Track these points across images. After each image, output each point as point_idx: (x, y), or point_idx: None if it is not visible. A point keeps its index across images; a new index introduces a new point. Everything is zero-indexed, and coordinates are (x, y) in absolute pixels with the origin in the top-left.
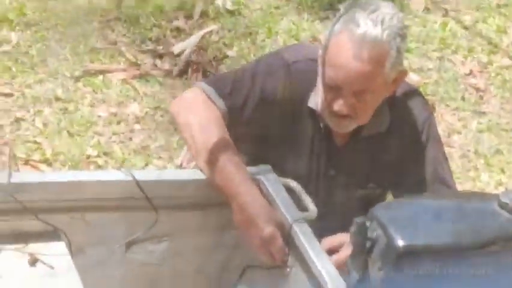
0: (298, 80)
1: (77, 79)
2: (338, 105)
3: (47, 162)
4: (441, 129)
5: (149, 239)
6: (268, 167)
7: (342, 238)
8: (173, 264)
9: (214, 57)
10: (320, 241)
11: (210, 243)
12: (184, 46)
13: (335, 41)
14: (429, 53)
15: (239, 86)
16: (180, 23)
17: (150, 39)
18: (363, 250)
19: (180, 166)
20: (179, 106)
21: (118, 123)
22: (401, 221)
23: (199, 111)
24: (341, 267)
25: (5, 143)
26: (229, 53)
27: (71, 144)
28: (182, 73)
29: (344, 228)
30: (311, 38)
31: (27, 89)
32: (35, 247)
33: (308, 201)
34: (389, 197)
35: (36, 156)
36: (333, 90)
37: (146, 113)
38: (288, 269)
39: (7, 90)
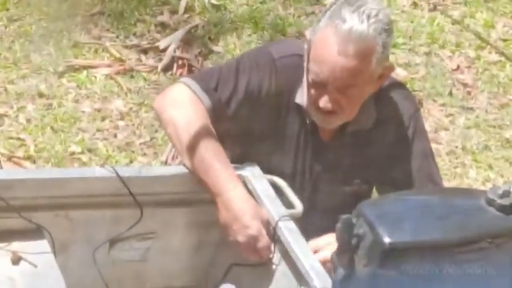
0: (284, 75)
1: (60, 75)
2: (324, 101)
3: (30, 159)
4: (428, 125)
5: (134, 236)
6: (254, 164)
7: (328, 239)
8: (158, 262)
9: (199, 53)
10: (306, 238)
11: (195, 240)
12: (169, 41)
13: (320, 36)
14: (416, 48)
15: (224, 81)
16: (165, 18)
17: (135, 34)
18: (349, 247)
19: (165, 163)
20: (163, 102)
21: (102, 119)
22: (387, 218)
23: (183, 107)
24: (326, 265)
25: None
26: (215, 48)
27: (55, 141)
28: (168, 68)
29: (330, 225)
30: (297, 33)
31: (10, 85)
32: (18, 245)
33: (294, 198)
34: (376, 193)
35: (20, 153)
36: (318, 86)
37: (131, 109)
38: (274, 266)
39: None
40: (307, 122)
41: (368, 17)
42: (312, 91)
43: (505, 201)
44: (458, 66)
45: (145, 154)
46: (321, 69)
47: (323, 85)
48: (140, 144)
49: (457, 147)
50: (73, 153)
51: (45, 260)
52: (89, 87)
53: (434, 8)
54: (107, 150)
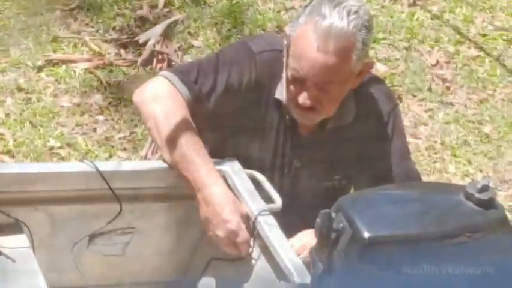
0: (264, 70)
1: (39, 69)
2: (303, 98)
3: (9, 153)
4: (408, 120)
5: (114, 231)
6: (234, 158)
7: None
8: (137, 256)
9: (179, 47)
10: (285, 233)
11: (174, 235)
12: (148, 36)
13: (300, 32)
14: (396, 43)
15: (204, 75)
16: (144, 12)
17: (114, 29)
18: (328, 242)
19: (145, 157)
20: (143, 95)
21: (82, 114)
22: (366, 213)
23: (163, 101)
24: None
25: None
26: (195, 43)
27: (34, 135)
28: (147, 63)
29: (309, 220)
30: (277, 28)
31: None
32: None
33: (273, 192)
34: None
35: None
36: (297, 82)
37: (110, 103)
38: (253, 261)
39: None
40: (287, 117)
41: (348, 13)
42: (292, 87)
43: (484, 196)
44: (438, 62)
45: (124, 149)
46: (300, 65)
47: (302, 81)
48: (119, 138)
49: (436, 142)
50: (52, 148)
51: (24, 254)
52: (68, 82)
53: (414, 3)
54: (86, 145)
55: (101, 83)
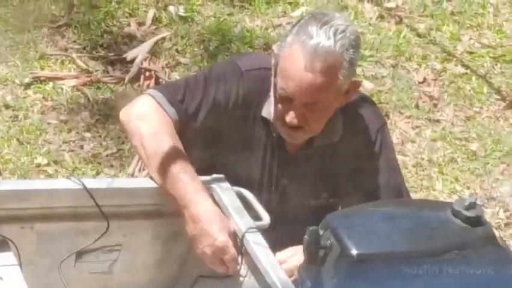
0: (251, 88)
1: (27, 86)
2: (290, 117)
3: None
4: (395, 138)
5: (101, 248)
6: (221, 176)
7: (293, 251)
8: (124, 274)
9: (166, 64)
10: (273, 250)
11: (162, 253)
12: (136, 53)
13: (287, 51)
14: (383, 61)
15: (191, 93)
16: (132, 29)
17: (101, 46)
18: (316, 259)
19: (132, 175)
20: (129, 114)
21: (69, 131)
22: (354, 230)
23: (149, 119)
24: (293, 273)
25: None
26: (182, 60)
27: (21, 153)
28: (135, 80)
29: (297, 237)
30: (265, 46)
31: None
32: None
33: (261, 210)
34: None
35: None
36: (285, 101)
37: (98, 120)
38: (241, 279)
39: None
40: (274, 135)
41: (335, 33)
42: (279, 106)
43: (471, 213)
44: (425, 79)
45: (111, 166)
46: (287, 84)
47: (289, 100)
48: (107, 156)
49: (423, 159)
50: (39, 165)
51: (11, 272)
52: (56, 99)
53: (401, 21)
54: (73, 162)
55: (89, 100)
